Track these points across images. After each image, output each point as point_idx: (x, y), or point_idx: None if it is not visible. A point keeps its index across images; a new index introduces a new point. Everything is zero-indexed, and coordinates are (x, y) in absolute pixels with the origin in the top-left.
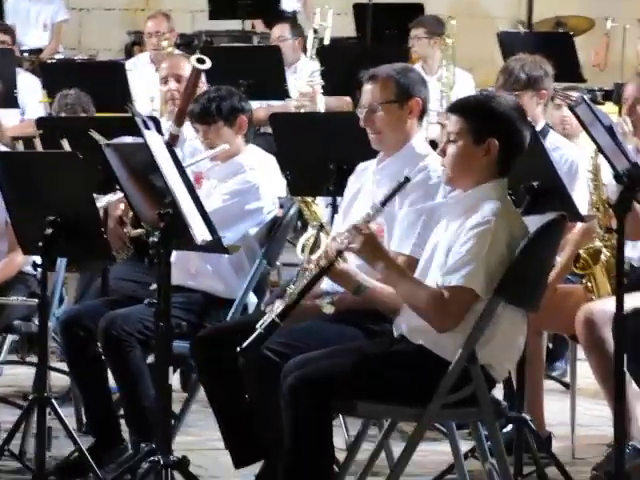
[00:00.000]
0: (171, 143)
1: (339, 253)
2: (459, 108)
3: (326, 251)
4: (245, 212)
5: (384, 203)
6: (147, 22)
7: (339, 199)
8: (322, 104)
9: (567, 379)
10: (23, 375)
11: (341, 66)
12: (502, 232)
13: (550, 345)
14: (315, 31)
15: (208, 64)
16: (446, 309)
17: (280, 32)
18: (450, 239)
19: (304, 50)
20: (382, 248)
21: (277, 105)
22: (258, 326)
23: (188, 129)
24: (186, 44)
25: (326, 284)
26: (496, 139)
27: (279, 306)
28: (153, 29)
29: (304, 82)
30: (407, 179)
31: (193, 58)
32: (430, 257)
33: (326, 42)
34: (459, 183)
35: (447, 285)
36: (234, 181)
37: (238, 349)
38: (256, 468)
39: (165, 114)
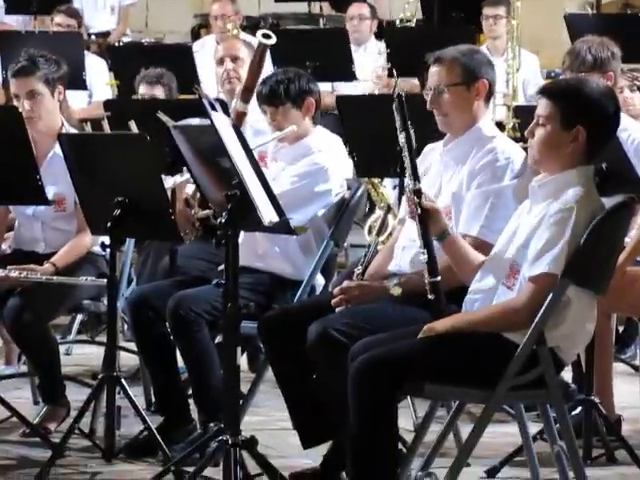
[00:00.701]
0: (238, 121)
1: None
2: (550, 92)
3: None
4: (314, 194)
5: (414, 174)
6: (213, 5)
7: (406, 180)
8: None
9: (637, 362)
10: (92, 355)
11: (407, 48)
12: (584, 218)
13: (620, 328)
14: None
15: (273, 39)
16: (532, 299)
17: (359, 10)
18: (533, 223)
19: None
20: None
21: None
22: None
23: (250, 111)
24: (252, 27)
25: (393, 265)
26: (585, 127)
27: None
28: (219, 12)
29: (376, 65)
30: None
31: (259, 33)
32: (510, 237)
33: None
34: (545, 167)
35: (533, 275)
36: (302, 163)
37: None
38: (324, 448)
39: (226, 95)
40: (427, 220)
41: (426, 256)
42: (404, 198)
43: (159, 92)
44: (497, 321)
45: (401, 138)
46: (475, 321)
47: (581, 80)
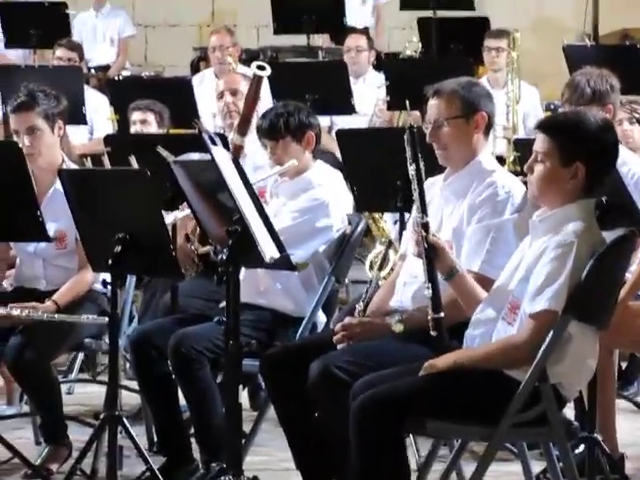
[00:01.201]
0: (236, 153)
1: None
2: (548, 127)
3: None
4: (315, 230)
5: (422, 207)
6: (211, 37)
7: (407, 215)
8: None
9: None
10: (94, 394)
11: (407, 80)
12: (585, 253)
13: (623, 364)
14: None
15: (268, 71)
16: (533, 336)
17: (356, 42)
18: (533, 257)
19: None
20: (451, 260)
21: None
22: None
23: (249, 145)
24: (251, 59)
25: (395, 301)
26: (584, 162)
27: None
28: (217, 43)
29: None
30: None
31: (254, 65)
32: (512, 272)
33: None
34: (545, 202)
35: (533, 312)
36: (303, 198)
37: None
38: None
39: (226, 129)
40: (433, 255)
41: (431, 291)
42: (405, 233)
43: (151, 118)
44: (498, 358)
45: (411, 170)
46: (476, 358)
47: (579, 114)
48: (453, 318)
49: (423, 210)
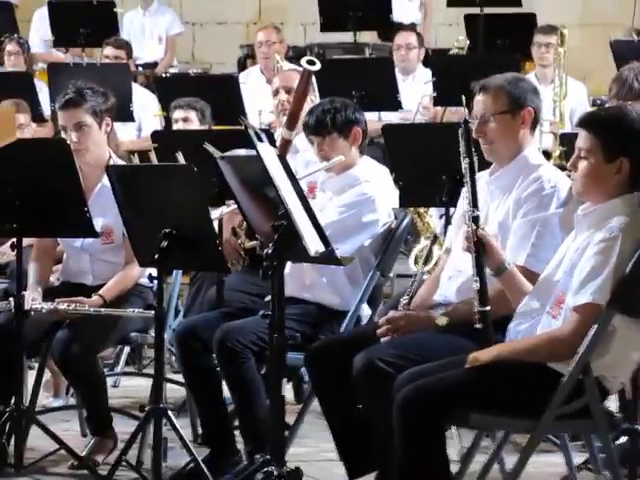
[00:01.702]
0: (284, 148)
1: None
2: (590, 124)
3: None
4: (361, 224)
5: (473, 201)
6: (258, 33)
7: (452, 210)
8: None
9: None
10: (140, 387)
11: (454, 76)
12: (629, 247)
13: None
14: None
15: (318, 65)
16: (578, 328)
17: (406, 40)
18: (577, 252)
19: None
20: (499, 253)
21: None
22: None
23: (301, 141)
24: (298, 57)
25: (439, 295)
26: (628, 157)
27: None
28: (263, 38)
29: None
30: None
31: (304, 60)
32: (557, 266)
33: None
34: (590, 198)
35: (577, 304)
36: (350, 193)
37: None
38: (371, 478)
39: (279, 126)
40: (481, 249)
41: (478, 284)
42: (450, 228)
43: (192, 116)
44: (542, 351)
45: (464, 164)
46: (520, 350)
47: (620, 109)
48: (499, 311)
49: (474, 204)
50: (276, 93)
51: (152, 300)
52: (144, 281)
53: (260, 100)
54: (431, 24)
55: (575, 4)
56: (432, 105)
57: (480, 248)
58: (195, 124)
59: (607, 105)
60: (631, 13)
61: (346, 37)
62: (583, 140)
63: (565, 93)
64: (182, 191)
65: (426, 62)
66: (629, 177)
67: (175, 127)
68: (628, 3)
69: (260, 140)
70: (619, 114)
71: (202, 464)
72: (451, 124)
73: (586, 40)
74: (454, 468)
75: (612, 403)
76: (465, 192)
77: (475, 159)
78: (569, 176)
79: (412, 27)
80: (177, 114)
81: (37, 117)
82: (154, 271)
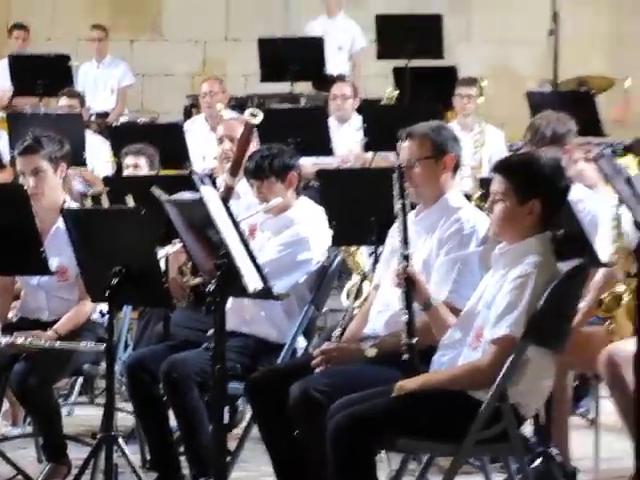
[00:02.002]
0: (227, 193)
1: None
2: (504, 169)
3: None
4: (297, 262)
5: (404, 237)
6: (202, 84)
7: (380, 249)
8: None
9: (591, 415)
10: (92, 415)
11: (383, 123)
12: (542, 283)
13: (576, 384)
14: None
15: (260, 117)
16: (495, 359)
17: (341, 90)
18: (495, 288)
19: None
20: (424, 288)
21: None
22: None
23: (243, 185)
24: (240, 106)
25: (368, 328)
26: (539, 200)
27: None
28: (207, 89)
29: (354, 141)
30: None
31: (247, 112)
32: (477, 302)
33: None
34: (505, 237)
35: (495, 337)
36: (286, 234)
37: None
38: None
39: (221, 172)
40: (411, 284)
41: (407, 317)
42: (378, 265)
43: (142, 162)
44: (463, 380)
45: (398, 205)
46: (443, 380)
47: (532, 155)
48: (424, 342)
49: (405, 242)
50: (220, 142)
51: (103, 334)
52: (96, 316)
53: (204, 147)
54: (360, 75)
55: (493, 58)
56: (362, 151)
57: (409, 284)
58: (145, 170)
59: (522, 151)
60: (545, 66)
61: (284, 87)
62: (497, 184)
63: (484, 140)
64: (131, 232)
65: (359, 111)
66: (541, 218)
67: (126, 172)
68: (541, 57)
69: (203, 184)
70: (530, 159)
71: None
72: (381, 169)
73: (504, 91)
74: None
75: (527, 428)
76: (394, 232)
77: (408, 201)
78: (489, 216)
79: (342, 78)
80: (128, 160)
81: None
82: (105, 307)
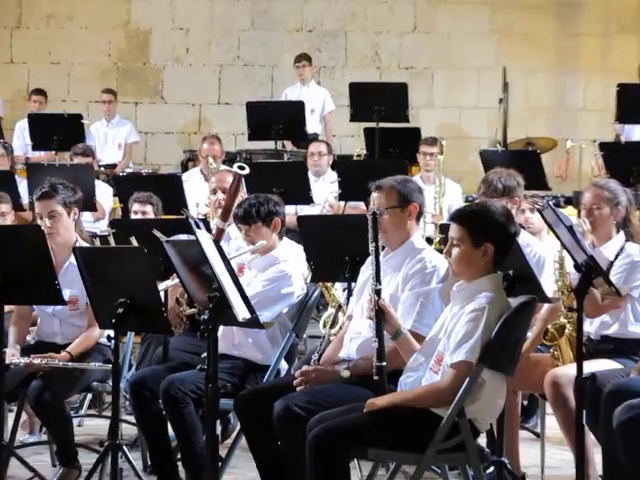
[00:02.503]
0: (218, 236)
1: (377, 302)
2: (459, 217)
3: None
4: (280, 295)
5: (376, 275)
6: (203, 144)
7: (353, 284)
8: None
9: (538, 429)
10: (99, 426)
11: (358, 175)
12: (494, 316)
13: (524, 402)
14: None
15: (247, 170)
16: (454, 381)
17: (318, 149)
18: (453, 320)
19: (331, 165)
20: (394, 318)
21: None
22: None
23: (233, 230)
24: (230, 160)
25: (343, 353)
26: (491, 243)
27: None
28: (209, 152)
29: (329, 192)
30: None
31: (235, 165)
32: (438, 331)
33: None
34: (462, 277)
35: (454, 362)
36: (271, 270)
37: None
38: None
39: (214, 218)
40: (381, 316)
41: (377, 344)
42: (351, 299)
43: (149, 209)
44: (426, 398)
45: (371, 247)
46: (409, 398)
47: (484, 205)
48: (392, 365)
49: (378, 279)
50: (214, 192)
51: (110, 356)
52: (103, 340)
53: (199, 195)
54: (331, 133)
55: (451, 121)
56: (336, 201)
57: (380, 315)
58: (150, 216)
59: (477, 201)
60: (495, 128)
61: (268, 145)
62: (454, 231)
63: (444, 192)
64: (134, 268)
65: (334, 166)
66: (493, 259)
67: (133, 216)
68: (495, 121)
69: (198, 227)
70: (482, 208)
71: None
72: (353, 216)
73: (461, 150)
74: None
75: (482, 440)
76: (364, 269)
77: (380, 243)
78: (446, 258)
79: (317, 137)
80: (136, 207)
81: (17, 206)
82: (111, 332)
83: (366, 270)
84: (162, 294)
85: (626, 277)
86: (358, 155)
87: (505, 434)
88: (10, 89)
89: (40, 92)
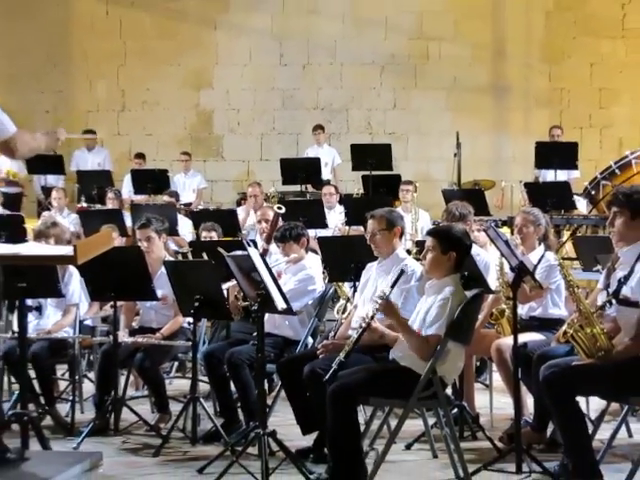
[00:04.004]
0: (264, 252)
1: (372, 317)
2: (433, 233)
3: (363, 317)
4: (307, 291)
5: (392, 286)
6: (249, 187)
7: (357, 283)
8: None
9: (487, 382)
10: (183, 384)
11: (358, 207)
12: (455, 304)
13: (477, 363)
14: None
15: (283, 209)
16: (428, 348)
17: (329, 190)
18: (427, 307)
19: (339, 201)
20: (395, 310)
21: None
22: (333, 364)
23: (274, 248)
24: (267, 199)
25: (350, 332)
26: (454, 252)
27: (342, 351)
28: (253, 193)
29: (338, 220)
30: (402, 271)
31: (275, 206)
32: (417, 315)
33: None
34: (433, 275)
35: (428, 334)
36: (300, 274)
37: (325, 379)
38: (314, 435)
39: (259, 240)
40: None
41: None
42: (356, 294)
43: (214, 234)
44: (415, 340)
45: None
46: (407, 331)
47: (449, 225)
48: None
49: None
50: (259, 222)
51: (190, 335)
52: (185, 325)
53: (249, 223)
54: (338, 179)
55: (421, 168)
56: (344, 226)
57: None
58: (215, 238)
59: (441, 224)
60: (452, 173)
61: (296, 188)
62: (429, 242)
63: (418, 218)
64: (205, 275)
65: (341, 201)
66: (455, 263)
67: (203, 239)
68: (451, 168)
69: (249, 246)
70: (447, 227)
71: (220, 428)
72: (356, 236)
73: (429, 189)
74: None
75: (449, 390)
76: (365, 272)
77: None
78: (422, 264)
79: (328, 182)
80: (204, 233)
81: (124, 233)
82: (191, 319)
83: (366, 274)
84: (225, 292)
85: (546, 276)
86: (357, 194)
87: (464, 386)
88: (118, 153)
89: (139, 155)
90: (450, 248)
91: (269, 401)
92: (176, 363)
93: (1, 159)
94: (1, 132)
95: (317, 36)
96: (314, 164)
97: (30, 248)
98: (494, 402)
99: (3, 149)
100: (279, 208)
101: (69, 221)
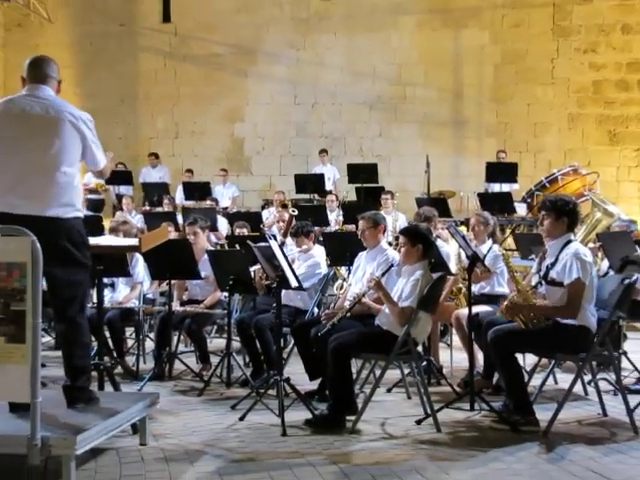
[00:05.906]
0: (281, 244)
1: (363, 295)
2: (404, 232)
3: (357, 293)
4: (314, 274)
5: (383, 275)
6: (275, 194)
7: (351, 267)
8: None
9: (449, 342)
10: (221, 343)
11: (352, 211)
12: (424, 283)
13: (442, 327)
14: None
15: (296, 212)
16: (404, 316)
17: (331, 198)
18: (403, 284)
19: (338, 205)
20: (383, 287)
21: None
22: (328, 325)
23: (289, 240)
24: (284, 205)
25: (346, 303)
26: (421, 244)
27: (336, 316)
28: (278, 198)
29: (337, 220)
30: (392, 265)
31: (290, 209)
32: (396, 292)
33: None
34: (407, 262)
35: (404, 306)
36: (310, 261)
37: (319, 334)
38: (319, 381)
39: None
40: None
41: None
42: (351, 275)
43: (244, 230)
44: (395, 308)
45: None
46: (390, 303)
47: (416, 225)
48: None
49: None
50: (278, 221)
51: (226, 306)
52: (222, 298)
53: (271, 222)
54: (338, 190)
55: (400, 182)
56: (341, 224)
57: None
58: (246, 233)
59: (413, 224)
60: (423, 185)
61: (306, 196)
62: (401, 239)
63: (397, 219)
64: (238, 260)
65: (340, 206)
66: (423, 253)
67: (236, 234)
68: (423, 182)
69: (270, 239)
70: (414, 227)
71: (248, 376)
72: (350, 232)
73: (405, 198)
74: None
75: (420, 348)
76: (357, 259)
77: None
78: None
79: (330, 192)
80: (237, 230)
81: (177, 229)
82: (226, 294)
83: (357, 260)
84: (252, 273)
85: (493, 263)
86: (345, 200)
87: (431, 345)
88: (173, 170)
89: (189, 171)
90: (417, 242)
91: (285, 355)
92: (215, 326)
93: (88, 175)
94: (98, 165)
95: (322, 82)
96: (320, 178)
97: (107, 240)
98: (454, 357)
99: (96, 174)
100: (293, 211)
101: (136, 220)
